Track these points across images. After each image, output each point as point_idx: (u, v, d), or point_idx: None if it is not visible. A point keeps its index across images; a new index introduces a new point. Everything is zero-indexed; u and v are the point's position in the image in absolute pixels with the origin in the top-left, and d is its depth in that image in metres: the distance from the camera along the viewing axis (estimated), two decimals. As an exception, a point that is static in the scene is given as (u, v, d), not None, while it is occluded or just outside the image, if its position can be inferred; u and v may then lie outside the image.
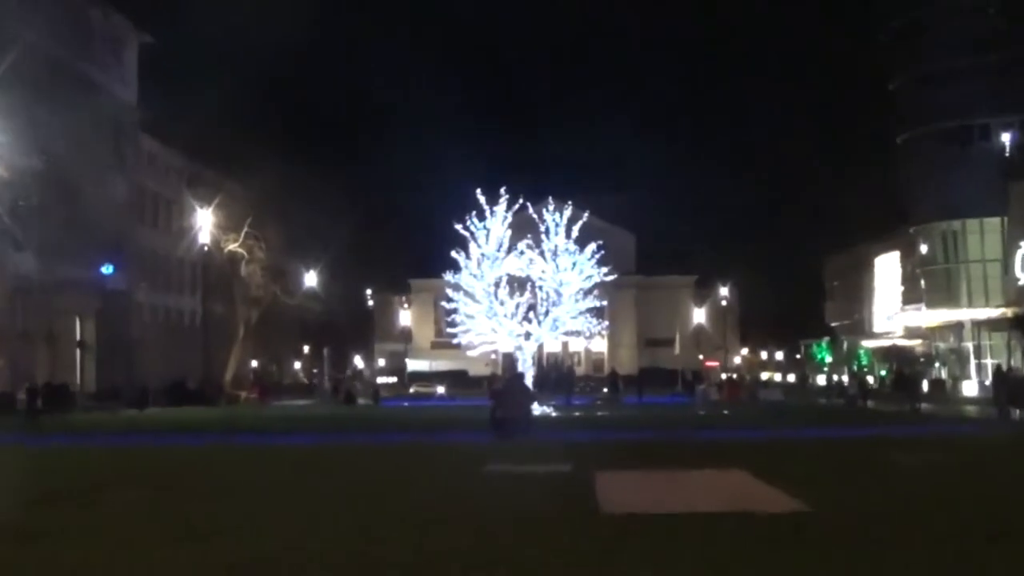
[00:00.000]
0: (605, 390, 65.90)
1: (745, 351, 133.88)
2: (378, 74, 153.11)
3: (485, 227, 46.26)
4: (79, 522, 12.72)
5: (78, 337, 63.31)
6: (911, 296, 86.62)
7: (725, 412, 45.53)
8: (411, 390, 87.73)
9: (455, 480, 16.71)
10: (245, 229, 72.89)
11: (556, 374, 78.39)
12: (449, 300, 48.09)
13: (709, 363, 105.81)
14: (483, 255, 46.43)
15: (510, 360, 58.74)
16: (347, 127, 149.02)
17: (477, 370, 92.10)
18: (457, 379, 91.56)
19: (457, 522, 12.31)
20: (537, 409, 44.95)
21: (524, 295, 46.97)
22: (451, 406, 55.32)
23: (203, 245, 66.71)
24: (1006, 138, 71.09)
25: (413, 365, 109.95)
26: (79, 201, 61.03)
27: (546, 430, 32.06)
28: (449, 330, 50.93)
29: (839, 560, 9.95)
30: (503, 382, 32.76)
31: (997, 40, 70.02)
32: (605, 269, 47.23)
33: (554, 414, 44.76)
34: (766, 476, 16.14)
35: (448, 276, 47.66)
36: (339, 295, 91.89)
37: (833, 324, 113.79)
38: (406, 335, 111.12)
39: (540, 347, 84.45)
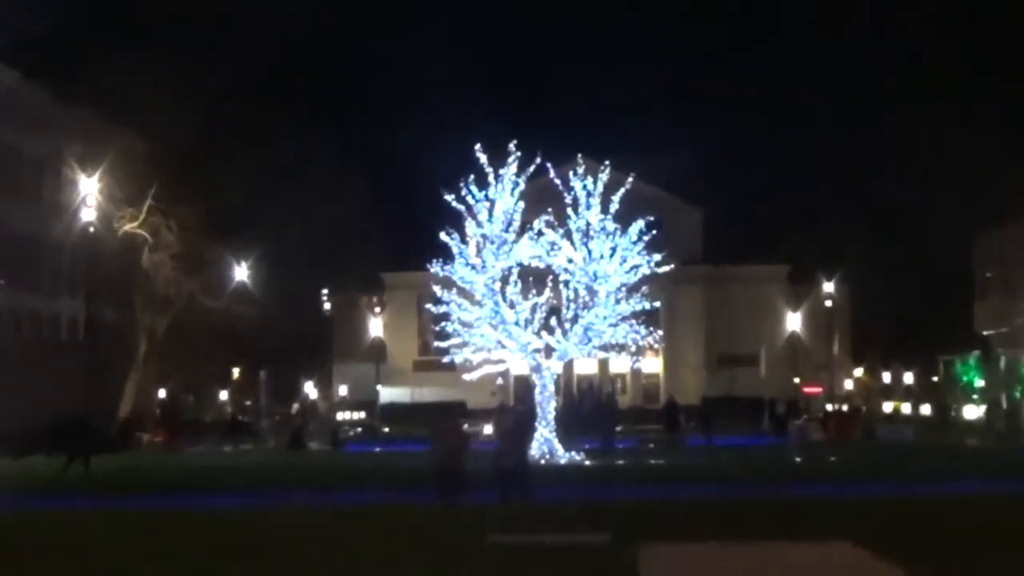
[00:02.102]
0: (660, 427, 65.77)
1: (859, 372, 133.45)
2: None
3: (488, 198, 46.23)
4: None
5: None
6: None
7: (831, 459, 45.38)
8: None
9: (447, 558, 16.66)
10: (148, 202, 72.90)
11: (591, 406, 78.28)
12: (438, 302, 48.09)
13: (808, 389, 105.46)
14: (485, 237, 46.44)
15: (524, 386, 58.69)
16: (301, 56, 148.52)
17: (479, 401, 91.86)
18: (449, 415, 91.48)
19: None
20: (562, 454, 45.26)
21: (544, 294, 46.96)
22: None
23: (88, 225, 66.67)
24: None
25: (388, 394, 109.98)
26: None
27: (575, 485, 31.95)
28: (438, 344, 50.90)
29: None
30: (500, 418, 32.87)
31: None
32: (659, 256, 47.16)
33: (587, 462, 44.70)
34: (887, 551, 16.04)
35: (436, 268, 47.66)
36: (283, 296, 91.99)
37: (986, 333, 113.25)
38: (378, 352, 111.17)
39: (568, 367, 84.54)
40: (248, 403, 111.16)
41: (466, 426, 79.24)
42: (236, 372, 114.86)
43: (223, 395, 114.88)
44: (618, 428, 60.86)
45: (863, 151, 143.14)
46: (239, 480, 37.67)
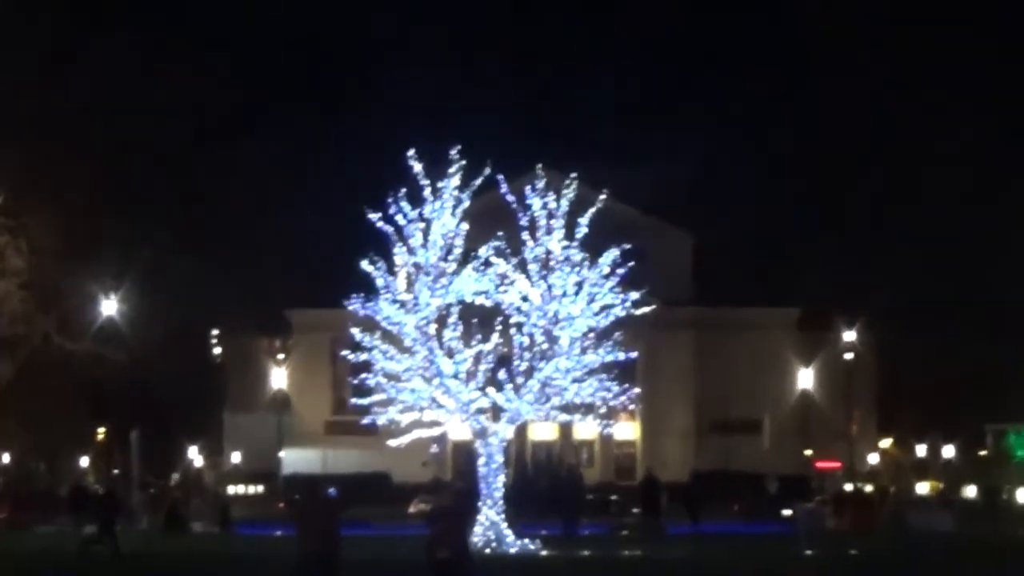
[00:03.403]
0: (635, 511, 65.85)
1: (887, 443, 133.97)
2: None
3: (423, 217, 46.26)
4: None
5: None
6: None
7: (851, 552, 45.57)
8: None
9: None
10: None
11: (548, 481, 78.35)
12: (357, 347, 47.98)
13: (823, 464, 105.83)
14: (418, 267, 46.44)
15: (465, 455, 58.61)
16: (194, 38, 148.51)
17: (407, 473, 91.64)
18: (374, 488, 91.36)
19: None
20: (513, 542, 45.15)
21: (491, 340, 46.90)
22: (372, 538, 54.99)
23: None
24: None
25: (293, 463, 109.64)
26: None
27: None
28: (357, 401, 50.78)
29: None
30: (439, 496, 32.81)
31: None
32: (637, 295, 47.26)
33: (543, 552, 44.66)
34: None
35: (356, 305, 47.56)
36: (162, 338, 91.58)
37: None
38: (281, 409, 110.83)
39: (521, 433, 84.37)
40: (116, 472, 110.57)
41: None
42: (101, 433, 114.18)
43: (84, 462, 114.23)
44: (583, 511, 61.01)
45: (896, 167, 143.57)
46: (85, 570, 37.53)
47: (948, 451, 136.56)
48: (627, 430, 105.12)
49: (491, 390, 46.53)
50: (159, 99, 79.62)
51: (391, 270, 46.71)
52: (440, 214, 46.13)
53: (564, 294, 46.58)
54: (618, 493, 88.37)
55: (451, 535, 28.32)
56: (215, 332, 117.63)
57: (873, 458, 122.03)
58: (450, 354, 46.43)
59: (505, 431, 47.55)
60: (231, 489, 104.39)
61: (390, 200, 46.25)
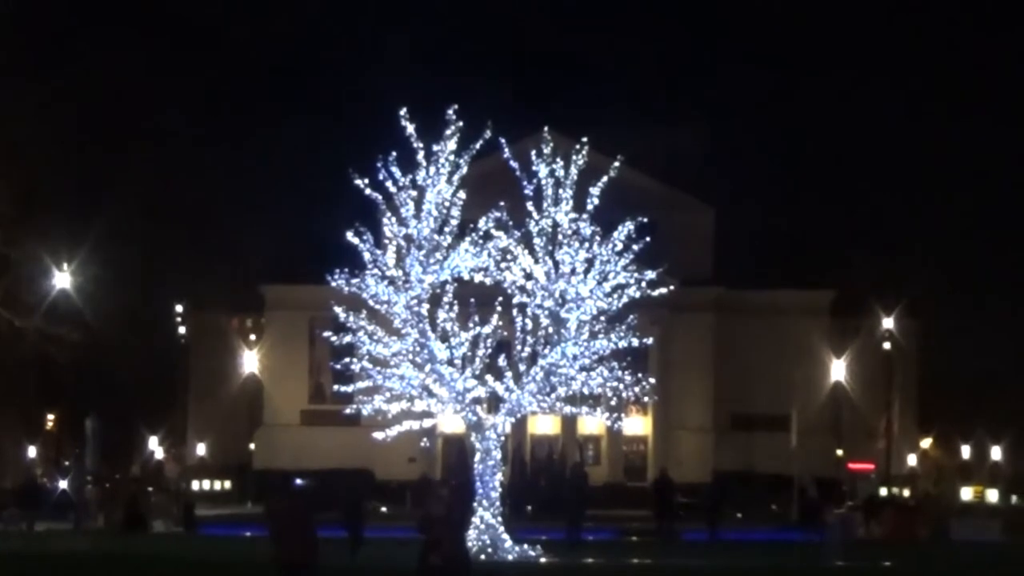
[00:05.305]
0: (647, 514, 65.92)
1: (927, 443, 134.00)
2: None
3: (415, 184, 46.17)
4: None
5: None
6: None
7: (886, 564, 45.61)
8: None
9: None
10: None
11: (550, 481, 78.45)
12: (340, 328, 47.99)
13: (856, 466, 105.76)
14: (410, 240, 46.40)
15: (458, 450, 58.61)
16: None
17: (392, 470, 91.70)
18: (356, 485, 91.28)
19: None
20: (510, 547, 45.18)
21: (490, 323, 46.92)
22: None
23: None
24: None
25: (266, 456, 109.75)
26: None
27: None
28: (339, 388, 50.78)
29: None
30: (433, 502, 32.77)
31: None
32: (652, 274, 47.25)
33: (543, 559, 44.72)
34: None
35: (339, 281, 47.51)
36: (121, 314, 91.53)
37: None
38: (252, 397, 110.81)
39: (520, 426, 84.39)
40: (67, 463, 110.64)
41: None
42: (51, 420, 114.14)
43: (31, 452, 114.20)
44: (587, 514, 61.02)
45: (942, 135, 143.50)
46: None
47: (996, 452, 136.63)
48: (637, 424, 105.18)
49: (489, 378, 46.60)
50: (124, 61, 79.87)
51: (379, 243, 46.69)
52: (435, 181, 46.02)
53: (572, 272, 46.60)
54: (627, 498, 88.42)
55: (447, 539, 28.35)
56: (180, 309, 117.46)
57: (912, 459, 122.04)
58: (444, 338, 46.49)
59: (503, 424, 47.51)
60: (195, 484, 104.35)
61: (379, 164, 46.09)
